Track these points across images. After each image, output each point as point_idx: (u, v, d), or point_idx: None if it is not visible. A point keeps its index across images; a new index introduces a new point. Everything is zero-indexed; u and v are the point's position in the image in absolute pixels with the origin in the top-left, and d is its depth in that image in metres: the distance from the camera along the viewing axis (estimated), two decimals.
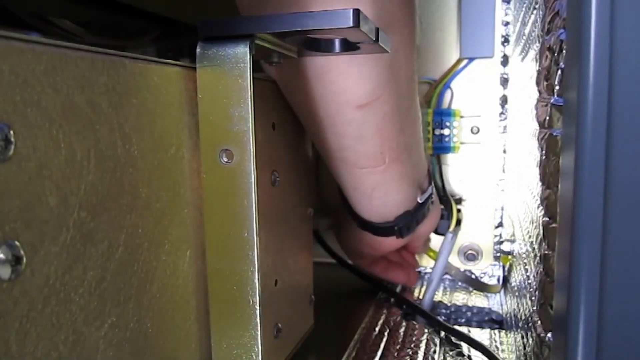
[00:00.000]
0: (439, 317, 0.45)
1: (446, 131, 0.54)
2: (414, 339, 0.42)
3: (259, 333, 0.26)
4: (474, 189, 0.55)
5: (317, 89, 0.31)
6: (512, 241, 0.50)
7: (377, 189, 0.38)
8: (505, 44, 0.53)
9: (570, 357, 0.20)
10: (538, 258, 0.30)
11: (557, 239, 0.24)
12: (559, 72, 0.24)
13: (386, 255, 0.50)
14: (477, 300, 0.52)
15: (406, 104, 0.36)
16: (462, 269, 0.56)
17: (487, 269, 0.56)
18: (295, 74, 0.31)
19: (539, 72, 0.30)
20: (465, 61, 0.53)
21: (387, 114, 0.33)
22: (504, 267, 0.55)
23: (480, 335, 0.44)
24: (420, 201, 0.41)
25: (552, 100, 0.26)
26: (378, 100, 0.32)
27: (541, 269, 0.28)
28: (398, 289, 0.54)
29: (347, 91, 0.31)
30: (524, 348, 0.34)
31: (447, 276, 0.56)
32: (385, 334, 0.43)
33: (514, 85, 0.51)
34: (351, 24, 0.22)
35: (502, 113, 0.54)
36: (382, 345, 0.41)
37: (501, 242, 0.56)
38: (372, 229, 0.41)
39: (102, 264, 0.20)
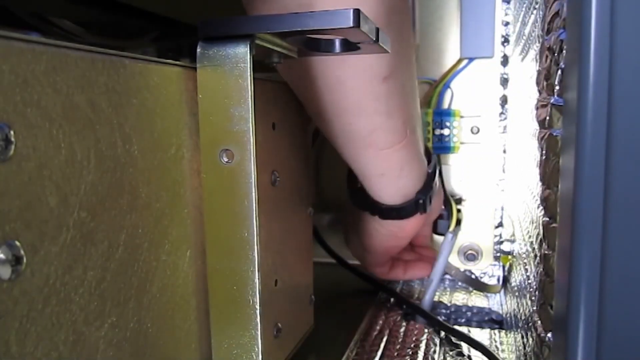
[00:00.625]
0: (439, 317, 0.45)
1: (446, 131, 0.54)
2: (414, 339, 0.42)
3: (259, 333, 0.26)
4: (474, 189, 0.55)
5: (342, 73, 0.32)
6: (512, 241, 0.50)
7: (404, 167, 0.39)
8: (505, 44, 0.53)
9: (570, 357, 0.20)
10: (538, 258, 0.30)
11: (557, 239, 0.24)
12: (559, 72, 0.24)
13: (401, 256, 0.51)
14: (477, 300, 0.52)
15: (411, 76, 0.38)
16: (462, 269, 0.56)
17: (487, 269, 0.56)
18: (312, 68, 0.32)
19: (539, 72, 0.30)
20: (465, 61, 0.53)
21: (404, 85, 0.36)
22: (504, 267, 0.55)
23: (480, 335, 0.44)
24: (429, 171, 0.43)
25: (552, 100, 0.26)
26: (396, 71, 0.34)
27: (541, 269, 0.28)
28: (398, 289, 0.54)
29: (373, 66, 0.33)
30: (524, 348, 0.34)
31: (447, 276, 0.56)
32: (385, 334, 0.43)
33: (514, 85, 0.51)
34: (351, 24, 0.22)
35: (502, 113, 0.54)
36: (382, 345, 0.41)
37: (501, 242, 0.56)
38: (396, 214, 0.43)
39: (102, 264, 0.20)
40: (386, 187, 0.40)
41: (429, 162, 0.44)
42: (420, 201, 0.42)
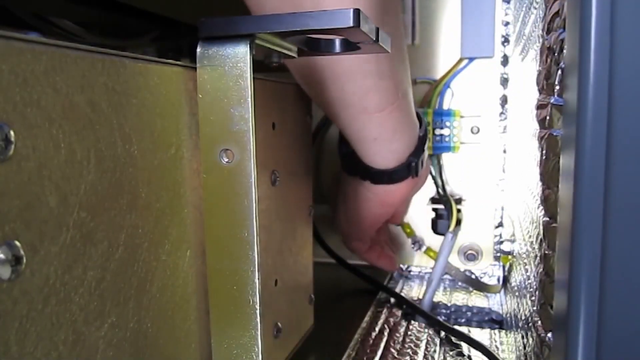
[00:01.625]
0: (439, 317, 0.45)
1: (446, 131, 0.54)
2: (414, 339, 0.42)
3: (259, 333, 0.26)
4: (474, 189, 0.55)
5: None
6: (512, 241, 0.50)
7: (397, 130, 0.40)
8: (505, 44, 0.53)
9: (570, 357, 0.20)
10: (538, 258, 0.30)
11: (557, 239, 0.24)
12: (559, 72, 0.24)
13: (378, 239, 0.52)
14: (477, 300, 0.52)
15: (397, 41, 0.39)
16: (462, 269, 0.55)
17: (487, 269, 0.56)
18: None
19: (539, 72, 0.30)
20: (465, 61, 0.53)
21: (392, 46, 0.37)
22: (504, 267, 0.55)
23: (480, 335, 0.44)
24: (421, 134, 0.44)
25: (552, 100, 0.26)
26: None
27: (541, 269, 0.28)
28: (398, 289, 0.54)
29: None
30: (524, 348, 0.34)
31: (447, 276, 0.56)
32: (385, 334, 0.43)
33: (514, 85, 0.51)
34: (351, 24, 0.22)
35: (502, 113, 0.54)
36: (382, 345, 0.41)
37: (501, 242, 0.55)
38: (388, 177, 0.43)
39: (102, 264, 0.20)
40: (380, 151, 0.41)
41: (420, 125, 0.44)
42: (413, 164, 0.43)
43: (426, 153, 0.45)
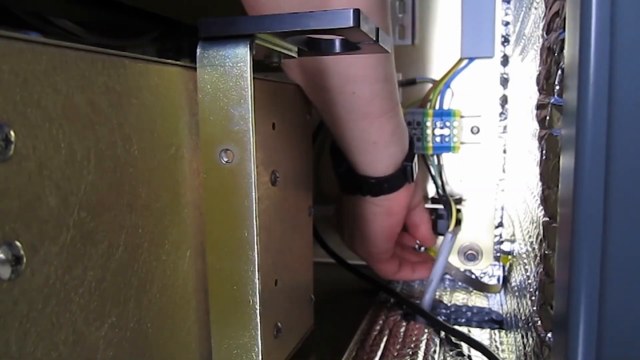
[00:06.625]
0: (439, 317, 0.45)
1: (446, 131, 0.54)
2: (414, 339, 0.42)
3: (259, 333, 0.26)
4: (474, 189, 0.55)
5: None
6: (512, 241, 0.50)
7: (394, 134, 0.42)
8: (505, 44, 0.53)
9: (571, 357, 0.20)
10: (538, 258, 0.30)
11: (557, 239, 0.24)
12: (559, 72, 0.24)
13: (409, 258, 0.53)
14: (477, 300, 0.52)
15: (392, 42, 0.41)
16: (462, 269, 0.55)
17: (487, 269, 0.56)
18: None
19: (539, 72, 0.30)
20: (465, 61, 0.53)
21: (389, 55, 0.38)
22: (504, 267, 0.55)
23: (480, 335, 0.44)
24: (409, 137, 0.45)
25: (552, 100, 0.26)
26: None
27: (541, 269, 0.28)
28: (398, 289, 0.54)
29: None
30: (524, 348, 0.34)
31: (447, 276, 0.56)
32: (385, 334, 0.43)
33: (514, 85, 0.51)
34: (351, 24, 0.22)
35: (502, 113, 0.54)
36: (382, 345, 0.41)
37: (501, 242, 0.55)
38: (387, 186, 0.44)
39: (102, 264, 0.20)
40: (378, 156, 0.42)
41: None
42: (408, 168, 0.44)
43: (416, 157, 0.46)
